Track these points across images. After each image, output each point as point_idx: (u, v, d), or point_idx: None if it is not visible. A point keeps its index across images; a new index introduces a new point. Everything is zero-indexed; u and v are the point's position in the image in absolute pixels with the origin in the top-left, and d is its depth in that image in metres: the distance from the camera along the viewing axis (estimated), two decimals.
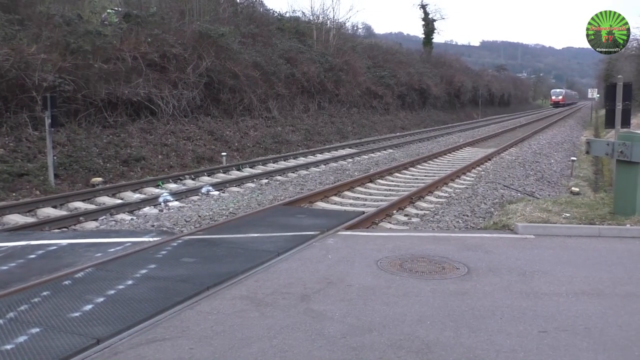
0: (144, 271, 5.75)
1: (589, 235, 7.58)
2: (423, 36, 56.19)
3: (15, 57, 13.35)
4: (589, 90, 49.88)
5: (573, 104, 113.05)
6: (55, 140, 12.86)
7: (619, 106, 10.17)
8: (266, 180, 13.72)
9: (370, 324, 4.40)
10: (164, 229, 8.60)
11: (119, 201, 11.02)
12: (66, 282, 5.40)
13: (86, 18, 17.54)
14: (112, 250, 6.87)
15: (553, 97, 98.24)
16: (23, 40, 14.15)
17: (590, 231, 7.67)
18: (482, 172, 14.71)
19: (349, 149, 21.67)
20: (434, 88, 43.32)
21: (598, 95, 47.80)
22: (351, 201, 11.20)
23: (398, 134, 30.20)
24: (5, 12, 14.87)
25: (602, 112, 21.32)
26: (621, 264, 6.24)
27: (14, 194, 11.08)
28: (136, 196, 11.55)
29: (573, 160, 16.02)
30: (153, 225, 8.84)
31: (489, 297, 5.06)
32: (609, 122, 10.55)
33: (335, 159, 18.12)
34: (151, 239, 7.40)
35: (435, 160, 18.13)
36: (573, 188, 12.39)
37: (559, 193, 12.22)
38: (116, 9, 21.14)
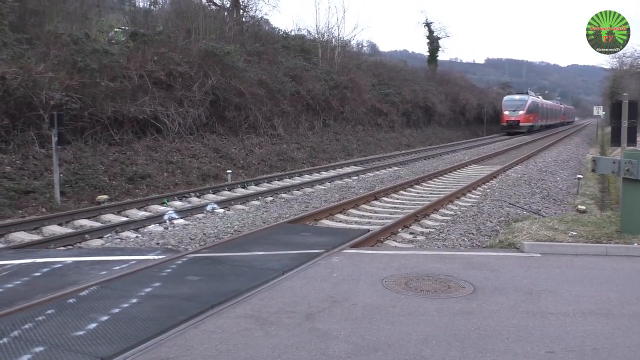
0: (148, 289, 5.74)
1: (596, 254, 7.53)
2: (428, 54, 56.50)
3: (23, 76, 13.47)
4: (594, 107, 49.88)
5: (563, 125, 77.18)
6: (61, 157, 12.93)
7: (624, 124, 10.16)
8: (271, 198, 13.72)
9: (375, 344, 4.36)
10: (169, 246, 8.59)
11: (124, 219, 11.03)
12: (71, 300, 5.39)
13: (93, 37, 17.74)
14: (117, 268, 6.86)
15: (506, 113, 51.48)
16: (31, 59, 14.30)
17: (597, 250, 7.62)
18: (488, 190, 14.67)
19: (354, 167, 21.68)
20: (439, 105, 43.40)
21: (604, 113, 47.79)
22: (356, 219, 11.17)
23: (403, 151, 30.22)
24: (14, 31, 15.06)
25: (608, 129, 21.27)
26: (629, 284, 6.18)
27: (20, 212, 11.11)
28: (141, 214, 11.56)
29: (579, 178, 15.97)
30: (158, 243, 8.84)
31: (495, 317, 5.02)
32: (615, 140, 10.53)
33: (340, 177, 18.13)
34: (156, 257, 7.39)
35: (440, 177, 18.11)
36: (579, 206, 12.34)
37: (565, 211, 12.16)
38: (123, 27, 21.39)
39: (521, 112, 50.55)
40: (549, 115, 63.20)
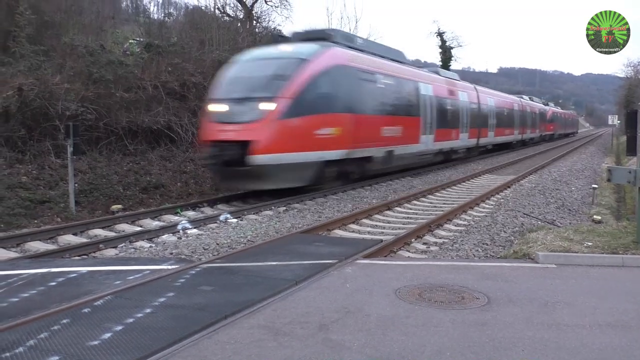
0: (162, 299, 5.76)
1: (612, 265, 7.44)
2: (440, 63, 56.42)
3: (39, 87, 13.69)
4: (609, 116, 49.51)
5: (552, 139, 52.63)
6: (76, 167, 13.06)
7: None
8: (284, 208, 13.72)
9: (388, 355, 4.34)
10: (183, 256, 8.62)
11: (138, 228, 11.09)
12: (85, 310, 5.42)
13: (109, 48, 18.02)
14: (131, 277, 6.89)
15: (214, 111, 13.37)
16: (48, 71, 14.52)
17: (613, 261, 7.53)
18: (502, 200, 14.57)
19: None
20: None
21: (619, 122, 47.48)
22: (369, 229, 11.15)
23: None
24: (31, 44, 15.31)
25: (623, 138, 21.04)
26: None
27: (35, 221, 11.23)
28: (155, 223, 11.62)
29: (594, 188, 15.80)
30: (172, 253, 8.87)
31: (510, 328, 4.97)
32: (631, 149, 10.41)
33: (353, 187, 18.09)
34: (170, 267, 7.42)
35: (454, 187, 18.02)
36: (595, 216, 12.20)
37: (580, 221, 12.04)
38: (138, 39, 21.68)
39: (268, 108, 12.72)
40: (492, 120, 31.03)
